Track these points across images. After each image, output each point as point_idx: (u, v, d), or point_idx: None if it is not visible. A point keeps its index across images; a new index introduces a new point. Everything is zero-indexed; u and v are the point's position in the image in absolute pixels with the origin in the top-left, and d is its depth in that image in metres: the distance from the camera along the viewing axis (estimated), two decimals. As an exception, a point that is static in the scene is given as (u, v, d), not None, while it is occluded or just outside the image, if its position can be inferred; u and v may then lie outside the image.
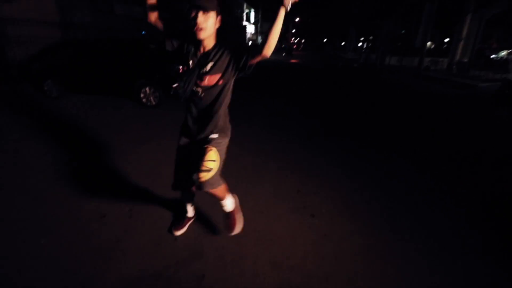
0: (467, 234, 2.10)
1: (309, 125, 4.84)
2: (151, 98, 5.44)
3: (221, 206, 1.75)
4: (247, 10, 32.33)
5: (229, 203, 1.76)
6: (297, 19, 47.30)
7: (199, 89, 1.48)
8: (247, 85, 6.63)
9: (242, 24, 29.57)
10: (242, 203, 1.95)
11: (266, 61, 23.39)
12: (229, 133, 1.65)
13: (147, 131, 4.08)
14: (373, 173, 3.06)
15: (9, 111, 4.91)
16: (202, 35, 1.36)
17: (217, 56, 1.43)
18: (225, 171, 1.64)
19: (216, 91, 1.49)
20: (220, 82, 1.46)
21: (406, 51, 21.64)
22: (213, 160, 1.46)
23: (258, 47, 1.32)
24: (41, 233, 1.91)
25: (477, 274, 1.73)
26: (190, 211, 1.99)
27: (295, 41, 68.98)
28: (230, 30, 23.73)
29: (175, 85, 1.51)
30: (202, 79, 1.46)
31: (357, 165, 3.25)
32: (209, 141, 1.54)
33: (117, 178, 2.71)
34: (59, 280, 1.56)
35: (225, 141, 1.62)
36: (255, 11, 33.79)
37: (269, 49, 1.30)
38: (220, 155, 1.53)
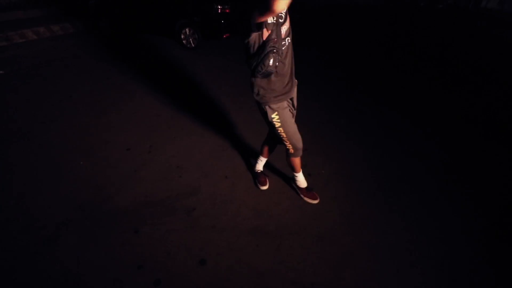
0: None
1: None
2: (191, 39, 5.52)
3: (295, 180, 2.03)
4: None
5: (302, 179, 2.00)
6: None
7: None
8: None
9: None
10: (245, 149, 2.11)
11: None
12: (272, 99, 1.50)
13: (182, 74, 4.30)
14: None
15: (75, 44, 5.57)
16: None
17: None
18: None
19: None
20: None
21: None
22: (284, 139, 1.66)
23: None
24: (81, 156, 2.40)
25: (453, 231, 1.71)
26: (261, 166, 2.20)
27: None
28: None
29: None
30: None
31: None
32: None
33: (144, 117, 3.07)
34: (88, 193, 2.03)
35: (277, 111, 1.54)
36: None
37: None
38: (285, 129, 1.60)
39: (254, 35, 1.29)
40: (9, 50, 5.09)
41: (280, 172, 2.32)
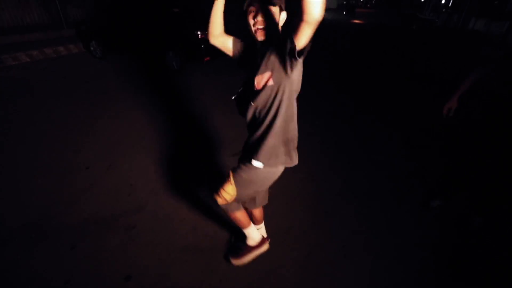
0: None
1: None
2: (174, 62, 5.80)
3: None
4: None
5: (252, 236, 1.62)
6: (369, -31, 40.55)
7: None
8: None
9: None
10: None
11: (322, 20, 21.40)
12: (277, 162, 1.27)
13: (162, 94, 4.50)
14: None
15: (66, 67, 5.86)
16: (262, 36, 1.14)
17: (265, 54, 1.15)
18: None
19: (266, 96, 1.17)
20: (269, 82, 1.14)
21: (497, 14, 17.39)
22: (228, 193, 1.35)
23: (297, 16, 0.89)
24: (40, 174, 2.52)
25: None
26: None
27: (366, -4, 60.24)
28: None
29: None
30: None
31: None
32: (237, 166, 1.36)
33: (114, 136, 3.22)
34: (39, 209, 2.13)
35: (263, 173, 1.30)
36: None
37: (312, 9, 0.84)
38: (240, 189, 1.34)
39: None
40: (1, 71, 5.37)
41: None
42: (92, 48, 6.53)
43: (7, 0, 7.38)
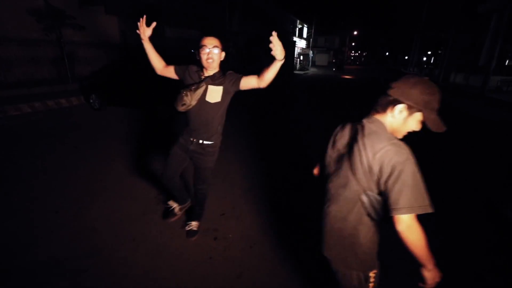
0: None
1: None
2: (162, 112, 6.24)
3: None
4: (299, 26, 32.81)
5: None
6: (355, 32, 45.63)
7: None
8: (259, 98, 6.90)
9: (292, 39, 30.07)
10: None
11: (314, 75, 23.18)
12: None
13: (151, 140, 4.75)
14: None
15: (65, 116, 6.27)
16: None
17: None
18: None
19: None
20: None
21: (473, 68, 18.97)
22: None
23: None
24: (8, 216, 2.58)
25: None
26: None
27: (355, 54, 66.24)
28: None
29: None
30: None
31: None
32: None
33: (89, 180, 3.34)
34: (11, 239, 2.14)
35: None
36: (307, 27, 34.02)
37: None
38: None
39: None
40: (1, 121, 5.74)
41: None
42: (91, 101, 7.06)
43: (21, 58, 8.25)
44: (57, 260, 2.09)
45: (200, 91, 1.86)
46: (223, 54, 1.91)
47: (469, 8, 17.32)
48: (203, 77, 1.91)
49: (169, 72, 2.03)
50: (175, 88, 5.99)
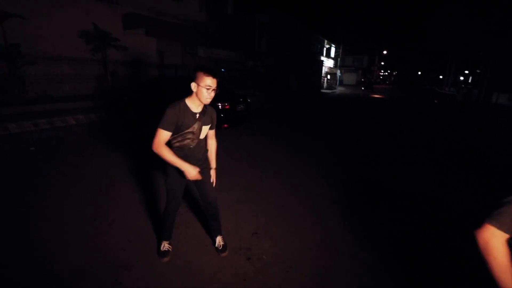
0: None
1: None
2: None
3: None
4: (327, 46, 33.02)
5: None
6: (384, 52, 44.90)
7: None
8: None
9: (320, 59, 30.24)
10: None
11: (342, 94, 22.89)
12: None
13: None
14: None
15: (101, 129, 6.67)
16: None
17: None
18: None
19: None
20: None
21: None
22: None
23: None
24: (45, 223, 2.67)
25: None
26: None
27: (384, 73, 64.86)
28: (306, 65, 24.66)
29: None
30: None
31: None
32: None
33: (124, 192, 3.41)
34: (36, 254, 2.20)
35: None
36: (335, 46, 34.13)
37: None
38: None
39: None
40: (49, 131, 6.22)
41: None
42: (127, 116, 7.46)
43: (71, 75, 9.05)
44: (92, 269, 2.09)
45: (198, 132, 1.98)
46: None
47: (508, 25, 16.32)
48: (197, 116, 1.96)
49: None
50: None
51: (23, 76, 7.73)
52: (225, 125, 6.15)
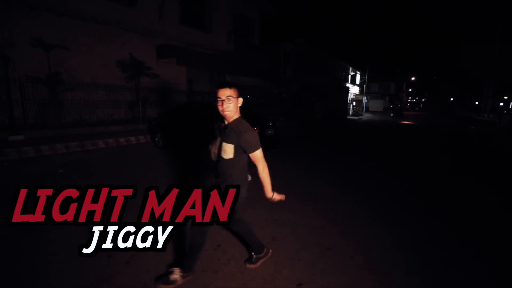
0: None
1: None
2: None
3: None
4: (352, 73, 32.79)
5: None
6: (413, 78, 43.68)
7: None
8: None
9: (345, 85, 29.96)
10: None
11: (371, 120, 22.17)
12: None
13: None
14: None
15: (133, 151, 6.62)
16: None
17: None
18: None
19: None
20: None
21: None
22: None
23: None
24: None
25: None
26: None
27: (412, 100, 62.81)
28: (331, 92, 24.43)
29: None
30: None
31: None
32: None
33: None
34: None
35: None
36: (360, 73, 33.81)
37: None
38: None
39: None
40: (79, 154, 6.26)
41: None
42: (156, 139, 7.43)
43: (105, 101, 9.43)
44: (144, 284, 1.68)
45: (217, 144, 1.93)
46: (240, 100, 1.91)
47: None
48: (219, 131, 1.99)
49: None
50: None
51: (61, 102, 8.13)
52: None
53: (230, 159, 1.86)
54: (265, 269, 2.24)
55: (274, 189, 1.98)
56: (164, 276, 1.94)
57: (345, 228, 3.06)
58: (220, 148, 1.89)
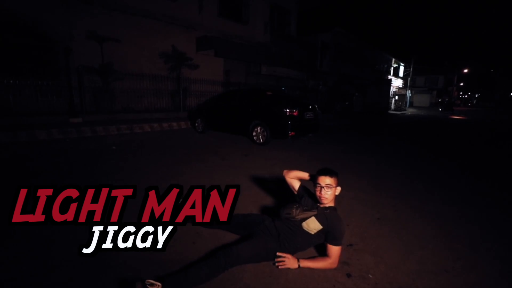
0: None
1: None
2: (260, 136, 6.11)
3: None
4: (395, 65, 30.57)
5: None
6: (465, 70, 39.45)
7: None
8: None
9: (388, 77, 28.07)
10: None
11: (416, 115, 20.60)
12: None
13: (247, 165, 4.56)
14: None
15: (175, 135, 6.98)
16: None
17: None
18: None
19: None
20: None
21: None
22: None
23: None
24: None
25: None
26: None
27: (463, 96, 56.95)
28: (372, 85, 23.14)
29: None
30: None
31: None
32: None
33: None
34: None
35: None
36: (404, 66, 31.32)
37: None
38: None
39: None
40: (128, 135, 6.75)
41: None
42: (196, 125, 7.71)
43: (150, 91, 10.01)
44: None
45: (307, 214, 1.86)
46: (339, 189, 1.93)
47: None
48: (317, 206, 1.93)
49: (295, 185, 2.18)
50: (277, 110, 5.29)
51: (112, 90, 8.82)
52: (292, 133, 5.73)
53: (307, 233, 1.84)
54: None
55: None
56: None
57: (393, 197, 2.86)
58: (304, 219, 1.85)
